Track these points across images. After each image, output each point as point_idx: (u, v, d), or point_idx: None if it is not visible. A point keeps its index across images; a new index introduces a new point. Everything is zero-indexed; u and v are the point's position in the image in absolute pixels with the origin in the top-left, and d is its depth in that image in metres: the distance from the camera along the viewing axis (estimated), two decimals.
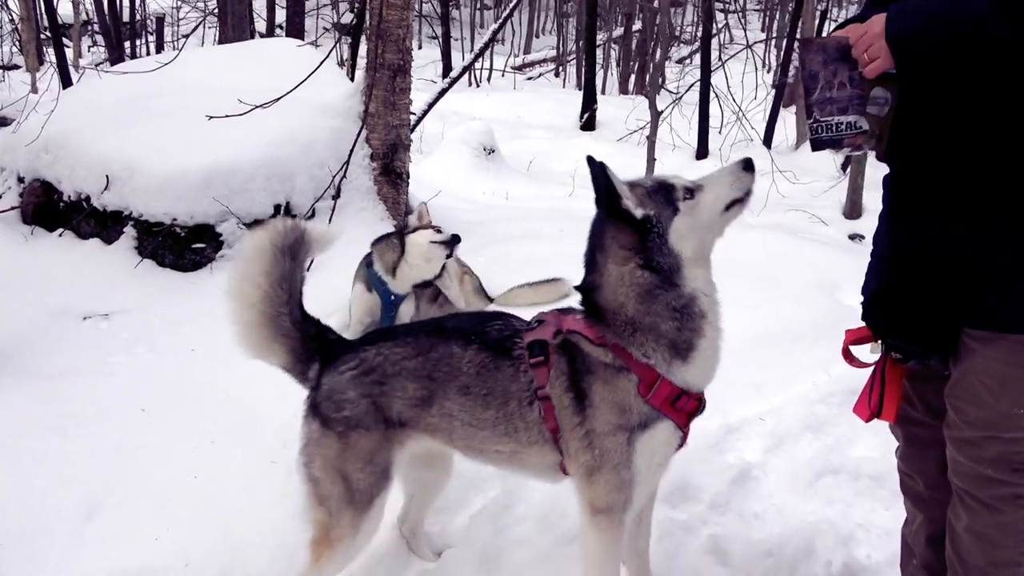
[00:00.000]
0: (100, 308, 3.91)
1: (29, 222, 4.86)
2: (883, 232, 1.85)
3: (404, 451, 2.00)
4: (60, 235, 4.70)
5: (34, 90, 9.27)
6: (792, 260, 4.58)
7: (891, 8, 1.55)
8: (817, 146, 1.75)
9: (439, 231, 3.68)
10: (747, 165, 1.88)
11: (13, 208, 4.89)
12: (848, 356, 1.91)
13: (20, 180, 4.98)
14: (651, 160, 6.90)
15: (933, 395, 1.82)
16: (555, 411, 1.85)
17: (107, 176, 4.48)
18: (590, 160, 1.88)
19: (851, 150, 1.75)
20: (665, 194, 1.83)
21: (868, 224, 6.69)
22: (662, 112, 7.63)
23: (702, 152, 10.02)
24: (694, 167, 9.86)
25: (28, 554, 2.27)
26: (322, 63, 4.62)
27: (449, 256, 3.65)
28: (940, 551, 1.91)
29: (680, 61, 17.55)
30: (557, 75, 19.42)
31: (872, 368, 1.89)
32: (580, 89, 14.34)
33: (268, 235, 1.97)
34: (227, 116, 3.81)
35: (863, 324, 1.87)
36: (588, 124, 11.77)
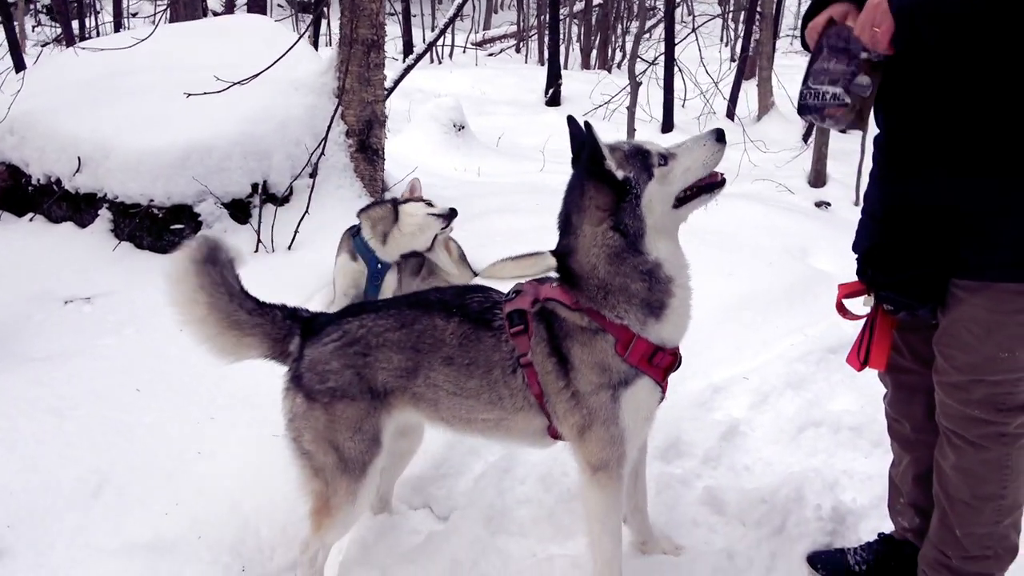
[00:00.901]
0: (80, 292, 3.86)
1: None
2: (875, 191, 1.95)
3: (391, 419, 2.05)
4: (31, 220, 4.60)
5: None
6: (764, 228, 4.71)
7: None
8: (802, 111, 1.87)
9: (431, 204, 3.72)
10: (719, 136, 1.92)
11: None
12: (841, 309, 2.01)
13: None
14: (631, 130, 6.97)
15: (921, 344, 1.94)
16: (538, 376, 1.91)
17: (79, 157, 4.40)
18: (571, 120, 1.94)
19: (832, 121, 1.85)
20: (642, 159, 1.88)
21: (833, 192, 6.89)
22: (640, 82, 7.71)
23: (667, 125, 10.12)
24: (660, 140, 9.97)
25: (39, 533, 2.27)
26: (300, 39, 4.59)
27: (445, 228, 3.69)
28: (926, 489, 2.04)
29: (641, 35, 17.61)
30: (518, 51, 19.33)
31: (864, 320, 2.00)
32: (542, 64, 14.30)
33: (185, 254, 2.06)
34: (206, 93, 3.77)
35: (856, 279, 1.97)
36: (553, 99, 11.76)
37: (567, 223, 1.95)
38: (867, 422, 2.95)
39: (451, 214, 3.61)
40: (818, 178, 6.96)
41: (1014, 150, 1.67)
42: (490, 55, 18.40)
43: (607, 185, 1.85)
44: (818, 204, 6.27)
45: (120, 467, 2.56)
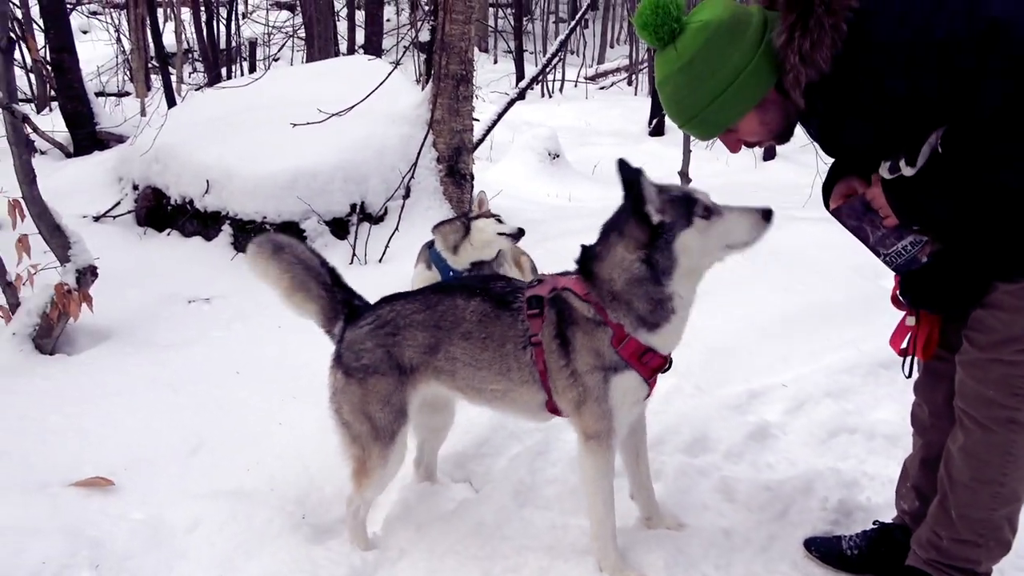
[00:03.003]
0: (202, 294, 4.51)
1: (142, 224, 5.58)
2: None
3: (416, 393, 2.35)
4: (168, 234, 5.39)
5: (143, 113, 10.24)
6: (833, 248, 4.70)
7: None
8: (901, 270, 2.01)
9: (500, 220, 4.07)
10: (767, 215, 2.08)
11: (129, 212, 5.61)
12: (896, 301, 2.14)
13: (135, 188, 5.71)
14: (686, 151, 6.78)
15: (953, 333, 2.03)
16: (544, 354, 2.18)
17: (207, 181, 5.12)
18: (622, 164, 2.11)
19: (927, 258, 1.95)
20: (686, 206, 2.07)
21: None
22: None
23: (769, 153, 10.10)
24: (761, 168, 9.96)
25: (147, 477, 2.77)
26: (389, 74, 5.13)
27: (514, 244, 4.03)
28: (930, 473, 2.13)
29: None
30: (630, 83, 19.60)
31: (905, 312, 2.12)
32: (651, 96, 14.50)
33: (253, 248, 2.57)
34: (308, 123, 4.34)
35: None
36: (657, 129, 11.94)
37: (606, 234, 2.17)
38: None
39: (519, 234, 3.92)
40: None
41: None
42: (601, 88, 18.77)
43: (645, 224, 2.07)
44: None
45: (216, 432, 3.05)
